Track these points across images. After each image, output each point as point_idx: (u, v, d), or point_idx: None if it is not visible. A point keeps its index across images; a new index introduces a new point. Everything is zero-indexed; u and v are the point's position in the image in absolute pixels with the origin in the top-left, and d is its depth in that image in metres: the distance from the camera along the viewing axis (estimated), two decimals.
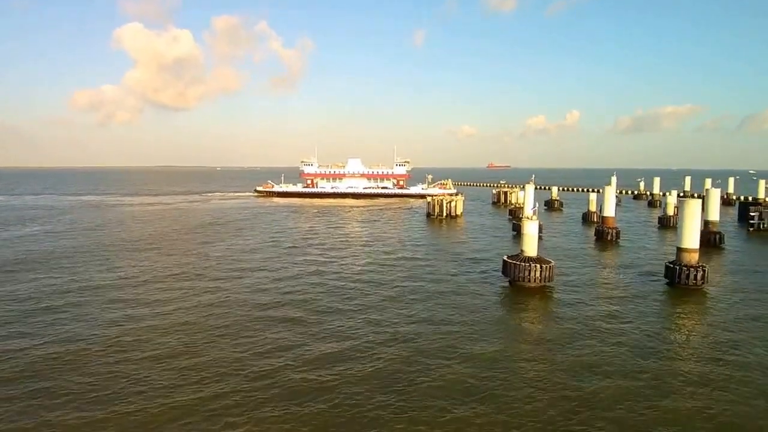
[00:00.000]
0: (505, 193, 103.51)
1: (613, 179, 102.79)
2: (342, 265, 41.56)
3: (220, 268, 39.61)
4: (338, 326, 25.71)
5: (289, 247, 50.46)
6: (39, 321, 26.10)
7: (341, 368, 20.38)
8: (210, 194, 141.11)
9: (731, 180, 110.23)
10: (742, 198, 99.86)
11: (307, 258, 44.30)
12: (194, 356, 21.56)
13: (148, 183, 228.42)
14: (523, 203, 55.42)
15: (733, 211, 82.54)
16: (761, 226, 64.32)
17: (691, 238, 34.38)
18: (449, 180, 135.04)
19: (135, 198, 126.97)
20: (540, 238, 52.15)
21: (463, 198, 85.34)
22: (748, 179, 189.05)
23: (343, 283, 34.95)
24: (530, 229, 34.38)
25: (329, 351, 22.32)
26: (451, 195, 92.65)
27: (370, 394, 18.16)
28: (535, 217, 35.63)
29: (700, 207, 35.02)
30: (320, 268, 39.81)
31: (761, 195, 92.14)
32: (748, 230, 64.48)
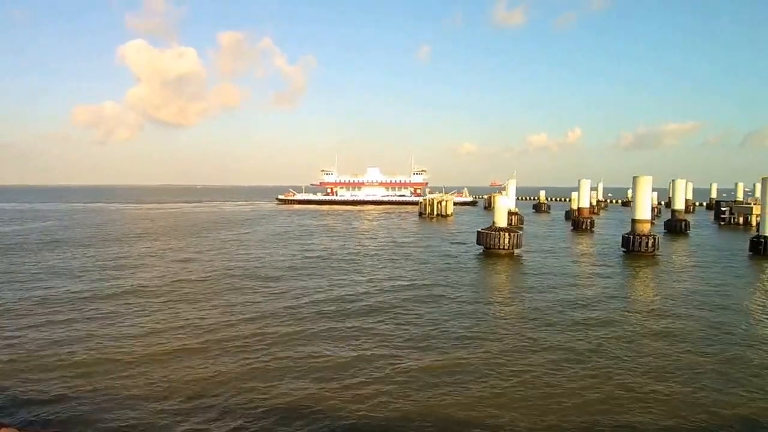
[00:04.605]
0: None
1: (600, 185, 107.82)
2: (344, 246, 46.19)
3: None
4: (340, 281, 30.38)
5: (304, 234, 55.13)
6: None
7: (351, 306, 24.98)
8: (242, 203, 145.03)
9: (714, 186, 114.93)
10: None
11: (319, 240, 49.00)
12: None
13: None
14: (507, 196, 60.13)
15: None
16: (731, 220, 68.70)
17: (642, 210, 38.96)
18: (465, 189, 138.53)
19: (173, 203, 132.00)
20: (521, 228, 57.18)
21: (453, 198, 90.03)
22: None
23: (343, 258, 39.57)
24: (500, 203, 38.98)
25: (340, 294, 26.93)
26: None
27: (368, 317, 22.72)
28: (506, 193, 40.22)
29: (651, 183, 39.68)
30: (327, 247, 44.49)
31: (740, 197, 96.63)
32: (720, 224, 68.88)
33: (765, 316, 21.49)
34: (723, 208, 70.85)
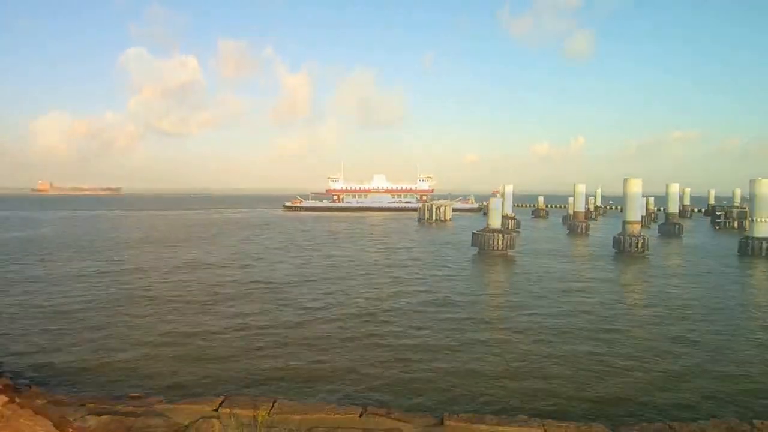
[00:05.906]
0: None
1: (598, 191, 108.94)
2: (343, 250, 47.37)
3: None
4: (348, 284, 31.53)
5: (306, 239, 56.31)
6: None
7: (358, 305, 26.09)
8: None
9: (712, 192, 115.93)
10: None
11: (319, 245, 50.17)
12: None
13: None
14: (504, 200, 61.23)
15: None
16: (726, 224, 69.74)
17: (633, 212, 40.11)
18: (471, 196, 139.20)
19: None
20: (517, 231, 58.23)
21: (455, 203, 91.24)
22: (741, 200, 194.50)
23: (342, 262, 40.74)
24: (494, 205, 40.13)
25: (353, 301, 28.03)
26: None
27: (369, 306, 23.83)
28: (499, 195, 41.37)
29: (641, 185, 40.83)
30: (327, 253, 45.69)
31: (737, 202, 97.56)
32: (715, 228, 69.89)
33: (745, 306, 22.50)
34: (718, 213, 71.91)
